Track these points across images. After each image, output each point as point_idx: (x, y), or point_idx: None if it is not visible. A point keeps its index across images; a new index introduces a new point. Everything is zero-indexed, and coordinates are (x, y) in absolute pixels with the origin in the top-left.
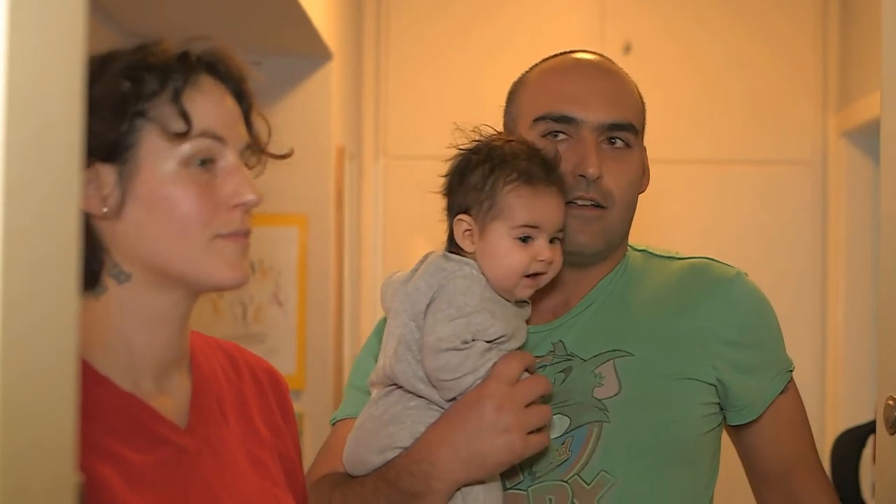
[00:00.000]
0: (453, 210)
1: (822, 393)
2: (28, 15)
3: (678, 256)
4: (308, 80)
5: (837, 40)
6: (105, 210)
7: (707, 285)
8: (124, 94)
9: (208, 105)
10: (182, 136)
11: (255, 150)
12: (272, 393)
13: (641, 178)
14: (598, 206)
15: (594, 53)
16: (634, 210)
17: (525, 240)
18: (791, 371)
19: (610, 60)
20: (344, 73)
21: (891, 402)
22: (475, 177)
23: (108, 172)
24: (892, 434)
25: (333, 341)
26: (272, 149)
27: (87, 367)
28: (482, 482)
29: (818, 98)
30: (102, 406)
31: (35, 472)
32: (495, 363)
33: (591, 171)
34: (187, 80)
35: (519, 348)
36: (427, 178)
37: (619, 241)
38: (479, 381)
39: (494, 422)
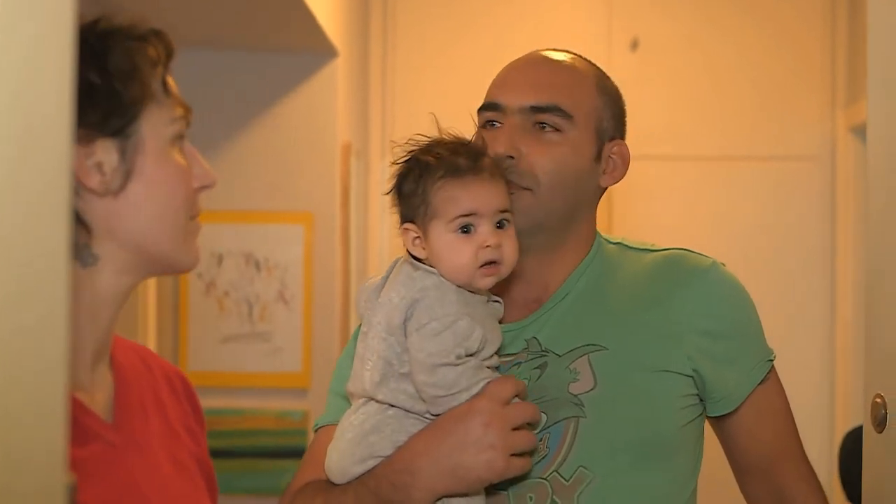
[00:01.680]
0: (401, 222)
1: (831, 390)
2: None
3: (653, 248)
4: (314, 78)
5: (846, 36)
6: (105, 188)
7: (681, 276)
8: (137, 62)
9: (174, 83)
10: (182, 115)
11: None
12: (185, 398)
13: (584, 165)
14: (524, 188)
15: (563, 51)
16: (576, 196)
17: (467, 230)
18: (771, 361)
19: (574, 56)
20: (350, 70)
21: (878, 400)
22: (408, 185)
23: (109, 148)
24: (880, 432)
25: (339, 340)
26: (275, 146)
27: None
28: (464, 495)
29: (826, 94)
30: None
31: (24, 472)
32: (489, 382)
33: (498, 150)
34: (169, 57)
35: (496, 351)
36: None
37: (555, 224)
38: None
39: (480, 437)
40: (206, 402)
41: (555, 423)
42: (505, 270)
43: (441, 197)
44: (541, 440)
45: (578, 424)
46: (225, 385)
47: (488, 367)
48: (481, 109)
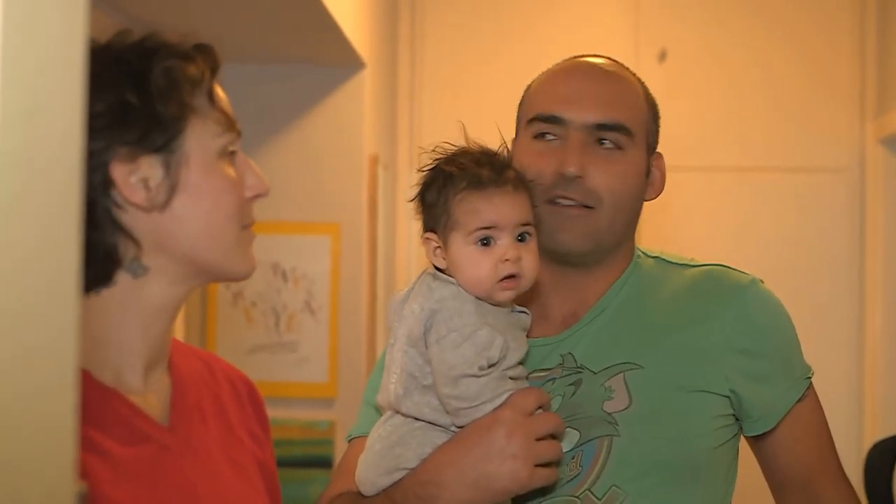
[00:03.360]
0: (423, 231)
1: (860, 404)
2: (26, 11)
3: (692, 264)
4: (341, 90)
5: (876, 47)
6: (150, 203)
7: (720, 294)
8: (177, 80)
9: (224, 95)
10: (229, 128)
11: None
12: (250, 403)
13: (640, 182)
14: (587, 206)
15: (603, 57)
16: (632, 213)
17: (487, 243)
18: (809, 378)
19: (619, 65)
20: (377, 82)
21: None
22: (431, 195)
23: (153, 164)
24: None
25: (366, 350)
26: (303, 157)
27: None
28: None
29: (855, 105)
30: (84, 400)
31: (32, 480)
32: (512, 394)
33: (570, 169)
34: (214, 71)
35: (521, 362)
36: None
37: (611, 243)
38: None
39: (503, 447)
40: None
41: (588, 440)
42: (525, 284)
43: (462, 208)
44: (573, 458)
45: (612, 443)
46: None
47: (512, 378)
48: (535, 120)
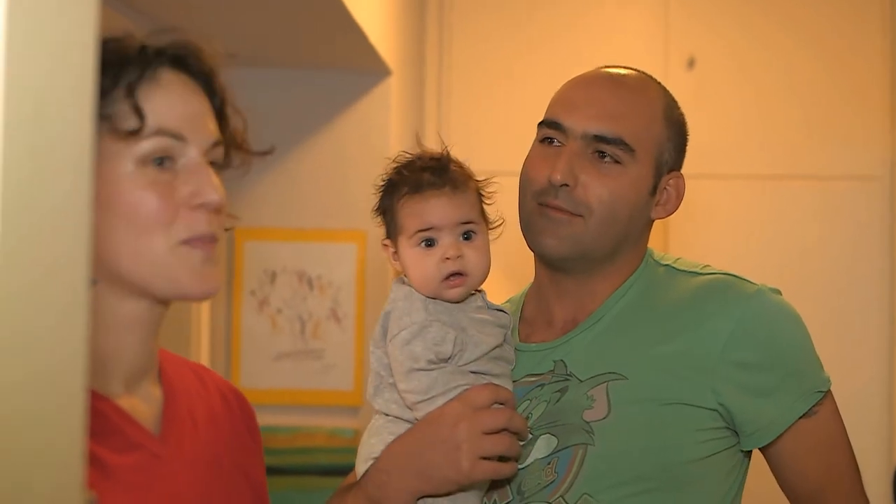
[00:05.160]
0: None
1: (890, 417)
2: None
3: (702, 272)
4: (367, 96)
5: None
6: None
7: (721, 304)
8: None
9: (167, 101)
10: (134, 134)
11: (233, 146)
12: (240, 414)
13: (639, 199)
14: (576, 214)
15: (630, 70)
16: (626, 228)
17: (431, 244)
18: (822, 392)
19: (644, 79)
20: (404, 88)
21: None
22: (383, 203)
23: None
24: None
25: None
26: (328, 164)
27: None
28: (447, 495)
29: (886, 112)
30: None
31: (40, 487)
32: (467, 389)
33: (557, 177)
34: (143, 75)
35: (510, 364)
36: (493, 196)
37: (599, 254)
38: None
39: (447, 438)
40: (260, 420)
41: (564, 448)
42: (472, 281)
43: (404, 212)
44: (549, 464)
45: (586, 452)
46: (277, 402)
47: (474, 372)
48: (542, 124)
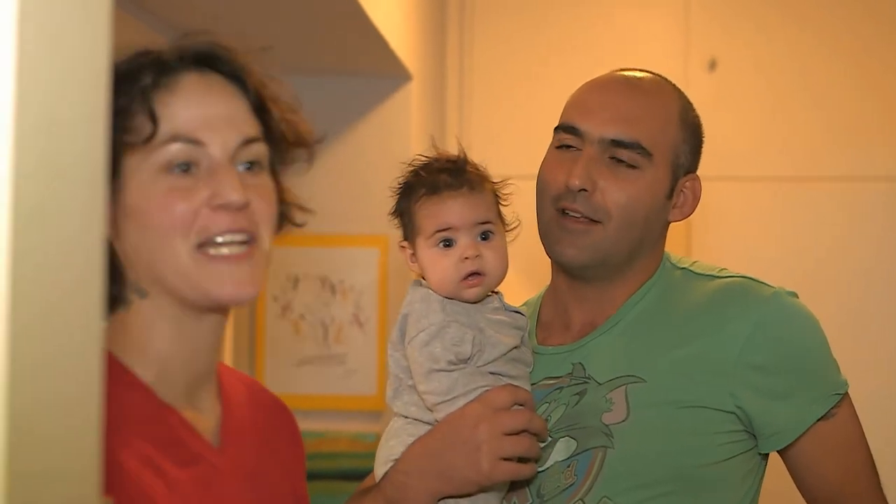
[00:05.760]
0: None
1: None
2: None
3: (719, 275)
4: (387, 101)
5: None
6: (109, 233)
7: (736, 307)
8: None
9: (183, 106)
10: (150, 142)
11: (281, 140)
12: (286, 425)
13: (657, 203)
14: (591, 220)
15: (646, 72)
16: (643, 232)
17: (449, 244)
18: (839, 394)
19: (660, 81)
20: (424, 93)
21: None
22: (400, 205)
23: None
24: None
25: None
26: (350, 169)
27: (128, 373)
28: (467, 496)
29: None
30: (143, 413)
31: (57, 494)
32: (487, 390)
33: (575, 182)
34: (158, 82)
35: (528, 366)
36: (511, 199)
37: (618, 259)
38: None
39: (467, 439)
40: None
41: (584, 451)
42: (490, 281)
43: (421, 214)
44: (568, 467)
45: (606, 455)
46: (300, 407)
47: (493, 373)
48: (558, 129)
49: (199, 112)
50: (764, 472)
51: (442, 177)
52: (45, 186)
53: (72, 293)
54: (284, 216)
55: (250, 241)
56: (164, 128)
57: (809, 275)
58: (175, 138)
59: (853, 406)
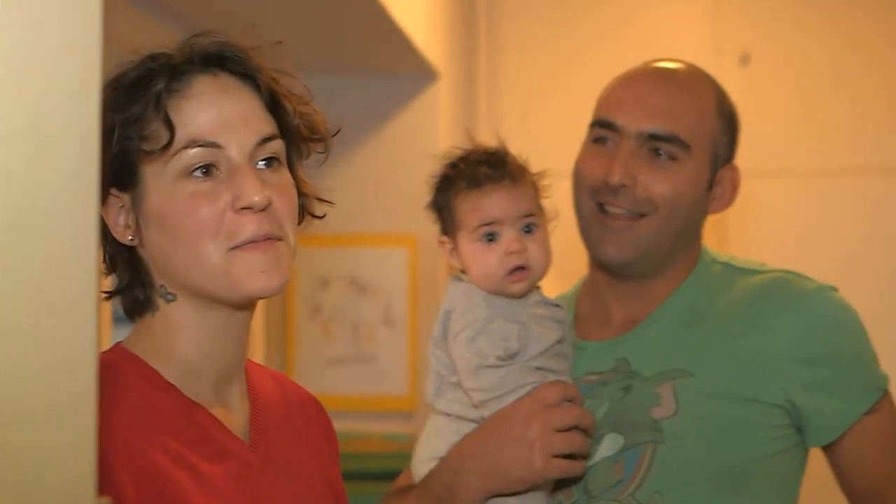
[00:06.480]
0: (440, 235)
1: None
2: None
3: (760, 269)
4: (415, 100)
5: None
6: (131, 238)
7: (782, 301)
8: (110, 124)
9: (197, 109)
10: (167, 149)
11: (297, 135)
12: (318, 421)
13: (698, 194)
14: (639, 214)
15: (679, 63)
16: (686, 224)
17: (492, 238)
18: (883, 388)
19: (694, 72)
20: (453, 91)
21: None
22: (438, 199)
23: (126, 200)
24: None
25: None
26: (378, 169)
27: (155, 375)
28: (515, 494)
29: None
30: (173, 413)
31: (53, 495)
32: (537, 386)
33: (613, 179)
34: (170, 87)
35: (569, 360)
36: (549, 190)
37: (660, 254)
38: None
39: (519, 436)
40: None
41: (632, 446)
42: (535, 275)
43: (463, 208)
44: (616, 462)
45: (656, 450)
46: (331, 408)
47: (539, 368)
48: (594, 125)
49: (215, 114)
50: (804, 471)
51: (482, 169)
52: (36, 186)
53: (65, 293)
54: (305, 209)
55: (275, 239)
56: (181, 133)
57: (845, 268)
58: (192, 143)
59: (893, 401)
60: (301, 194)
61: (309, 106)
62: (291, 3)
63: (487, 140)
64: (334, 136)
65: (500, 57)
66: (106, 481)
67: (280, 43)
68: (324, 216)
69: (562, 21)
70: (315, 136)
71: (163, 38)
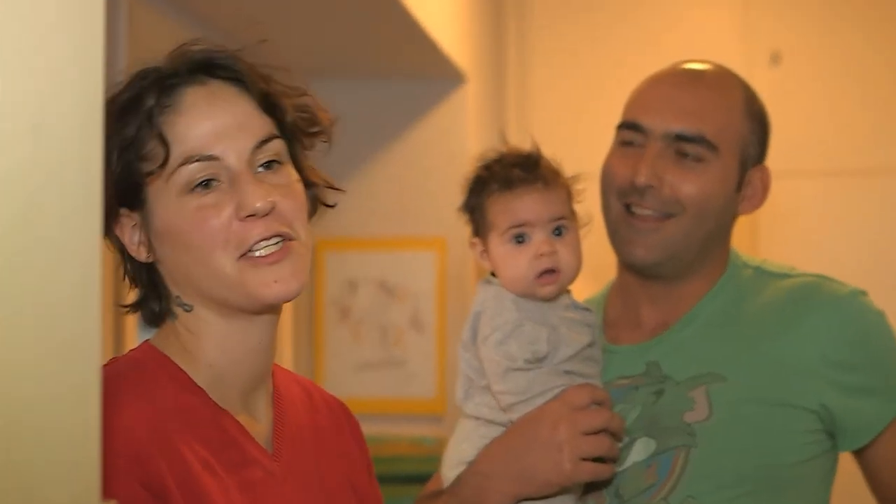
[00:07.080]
0: (472, 236)
1: None
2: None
3: (792, 274)
4: (443, 103)
5: None
6: (147, 255)
7: (815, 305)
8: (109, 148)
9: (189, 124)
10: (164, 167)
11: (297, 131)
12: (347, 427)
13: (726, 195)
14: (667, 215)
15: (708, 64)
16: (714, 226)
17: (522, 240)
18: None
19: (722, 73)
20: (482, 95)
21: None
22: (470, 200)
23: (137, 219)
24: None
25: None
26: (406, 172)
27: (185, 377)
28: (544, 498)
29: None
30: (200, 416)
31: (58, 498)
32: (565, 389)
33: (640, 179)
34: (161, 104)
35: (599, 364)
36: (583, 194)
37: (689, 255)
38: None
39: (547, 439)
40: None
41: (665, 451)
42: (565, 278)
43: (495, 209)
44: (649, 467)
45: (689, 454)
46: (360, 411)
47: (567, 372)
48: (621, 127)
49: (208, 126)
50: (834, 478)
51: (515, 171)
52: (38, 188)
53: (68, 293)
54: (317, 199)
55: (286, 239)
56: (177, 150)
57: (877, 268)
58: (190, 159)
59: None
60: (311, 185)
61: (306, 96)
62: (319, 9)
63: (519, 143)
64: (324, 132)
65: (530, 59)
66: (147, 476)
67: (265, 41)
68: (335, 205)
69: (592, 24)
70: (315, 128)
71: (184, 40)
